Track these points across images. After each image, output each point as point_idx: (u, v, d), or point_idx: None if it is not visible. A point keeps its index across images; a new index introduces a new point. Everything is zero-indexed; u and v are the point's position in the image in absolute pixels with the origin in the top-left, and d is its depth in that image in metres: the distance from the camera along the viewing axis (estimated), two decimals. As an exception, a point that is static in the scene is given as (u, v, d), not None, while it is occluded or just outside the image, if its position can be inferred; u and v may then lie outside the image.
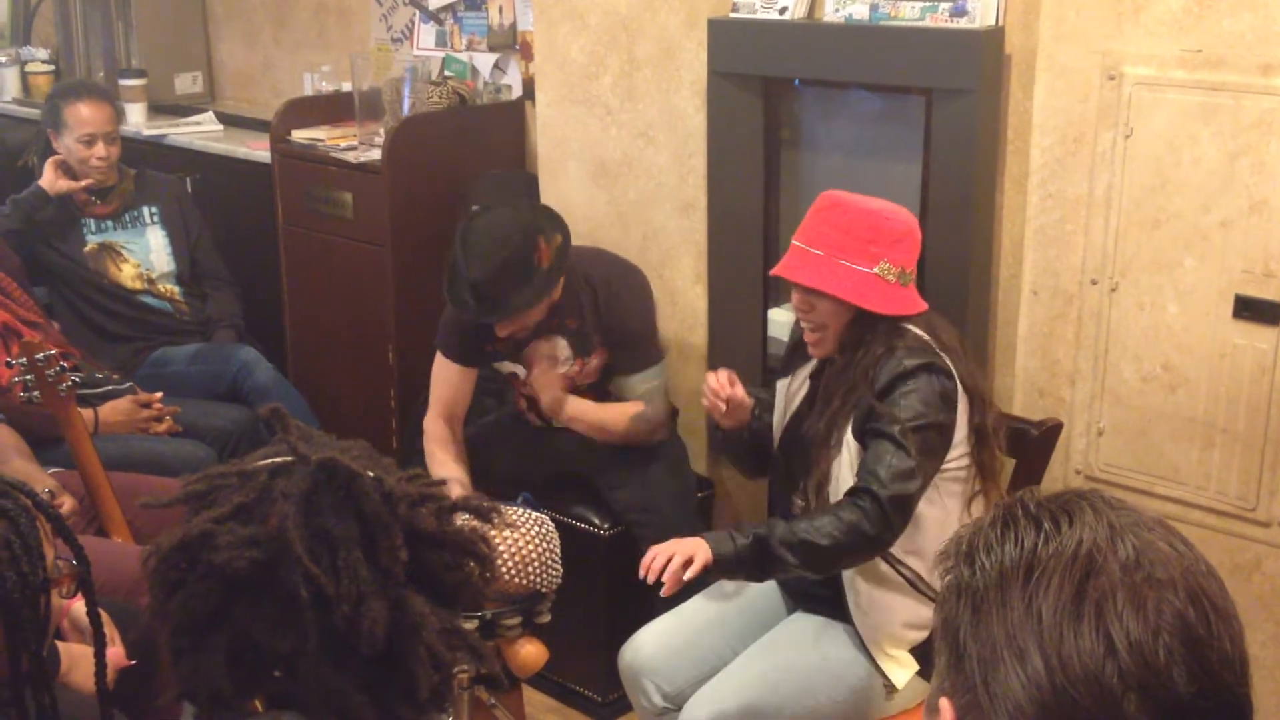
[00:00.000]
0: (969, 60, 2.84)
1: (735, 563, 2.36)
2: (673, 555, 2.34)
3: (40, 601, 1.71)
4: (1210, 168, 2.63)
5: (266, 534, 1.33)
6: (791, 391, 2.64)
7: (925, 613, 2.38)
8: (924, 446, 2.33)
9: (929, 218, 3.06)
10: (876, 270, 2.39)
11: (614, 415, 3.21)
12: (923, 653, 2.44)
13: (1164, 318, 2.76)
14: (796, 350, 2.63)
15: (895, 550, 2.40)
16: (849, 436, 2.41)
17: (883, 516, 2.30)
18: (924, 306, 2.47)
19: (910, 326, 2.43)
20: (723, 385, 2.65)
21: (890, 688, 2.47)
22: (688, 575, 2.34)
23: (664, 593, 2.35)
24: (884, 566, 2.43)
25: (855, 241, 2.39)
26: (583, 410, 3.19)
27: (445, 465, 3.18)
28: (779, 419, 2.66)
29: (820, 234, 2.42)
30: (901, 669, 2.46)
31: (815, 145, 3.45)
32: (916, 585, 2.43)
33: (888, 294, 2.40)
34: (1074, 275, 2.88)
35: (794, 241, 2.46)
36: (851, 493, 2.34)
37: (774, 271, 2.48)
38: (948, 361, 2.40)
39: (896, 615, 2.44)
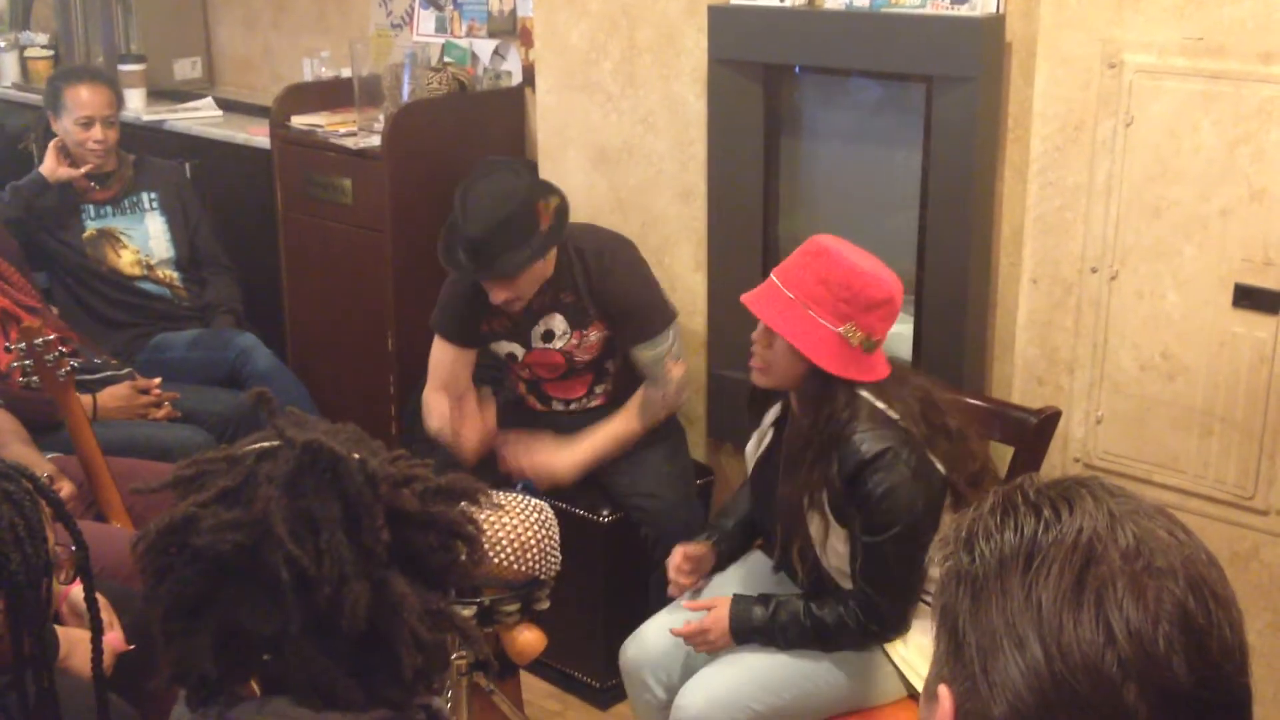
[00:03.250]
0: (970, 48, 2.84)
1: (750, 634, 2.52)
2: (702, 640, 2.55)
3: (43, 584, 1.72)
4: (1210, 156, 2.63)
5: (250, 517, 1.34)
6: (758, 446, 2.65)
7: None
8: (909, 550, 2.35)
9: (929, 206, 3.06)
10: (841, 330, 2.33)
11: (622, 427, 3.20)
12: None
13: (1163, 306, 2.76)
14: (753, 411, 2.66)
15: None
16: (829, 520, 2.40)
17: (888, 625, 2.44)
18: (884, 374, 2.40)
19: (864, 394, 2.38)
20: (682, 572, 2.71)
21: (912, 688, 2.48)
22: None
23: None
24: None
25: (829, 295, 2.34)
26: (591, 450, 3.18)
27: (438, 416, 3.19)
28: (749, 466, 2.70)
29: (798, 278, 2.38)
30: (916, 670, 2.47)
31: (815, 133, 3.45)
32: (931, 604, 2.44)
33: (845, 357, 2.34)
34: (1074, 263, 2.88)
35: (771, 276, 2.43)
36: (850, 597, 2.41)
37: (743, 299, 2.46)
38: (908, 431, 2.35)
39: (926, 632, 2.44)
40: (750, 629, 2.49)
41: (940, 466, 2.37)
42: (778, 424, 2.59)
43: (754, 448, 2.67)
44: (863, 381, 2.38)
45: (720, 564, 2.74)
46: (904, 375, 2.47)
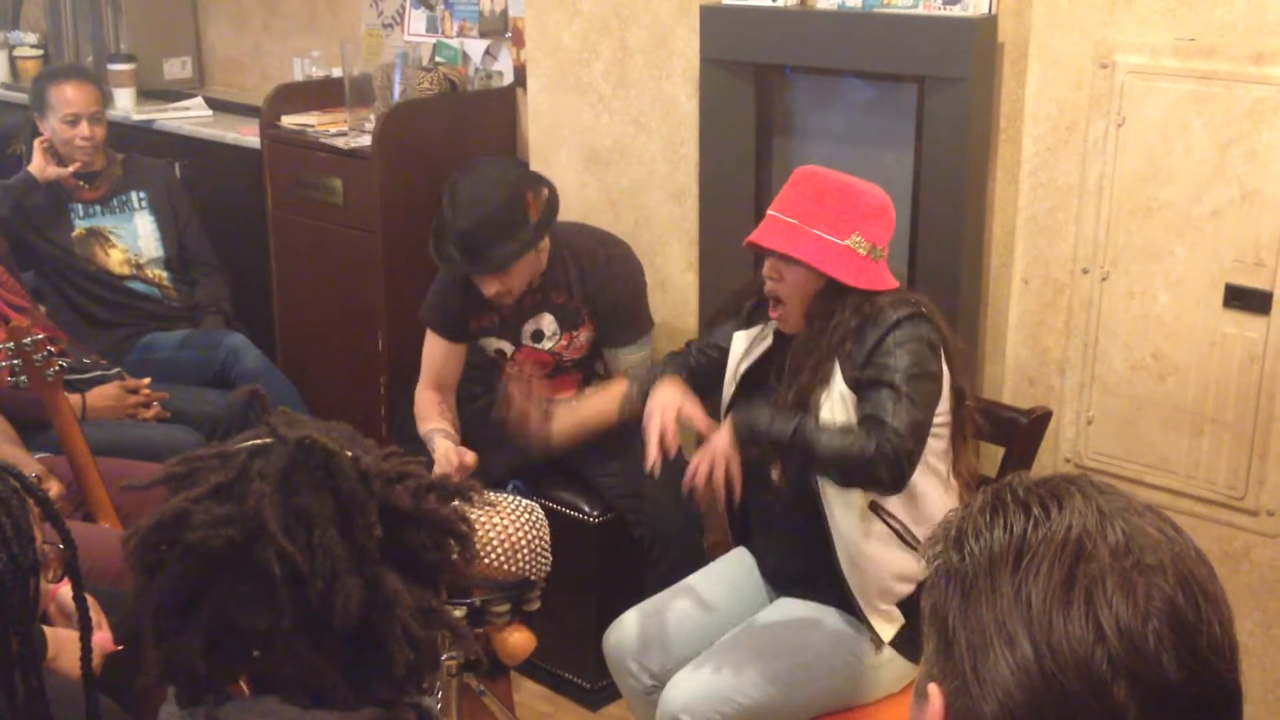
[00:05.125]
0: (962, 48, 2.84)
1: (749, 441, 2.40)
2: (702, 475, 2.40)
3: (30, 584, 1.71)
4: (1202, 157, 2.63)
5: (242, 513, 1.33)
6: (751, 347, 2.60)
7: (914, 565, 2.40)
8: (925, 396, 2.34)
9: (921, 206, 3.06)
10: (849, 242, 2.38)
11: (602, 408, 3.18)
12: (909, 606, 2.44)
13: (1154, 307, 2.76)
14: (762, 308, 2.58)
15: (882, 502, 2.41)
16: (840, 400, 2.38)
17: (896, 465, 2.29)
18: (894, 284, 2.46)
19: (884, 297, 2.42)
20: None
21: (878, 642, 2.46)
22: (717, 484, 2.40)
23: (720, 504, 2.45)
24: (872, 519, 2.43)
25: (829, 211, 2.39)
26: (573, 420, 3.14)
27: (432, 419, 3.17)
28: (730, 374, 2.61)
29: (795, 203, 2.43)
30: (889, 624, 2.45)
31: (807, 133, 3.45)
32: (904, 536, 2.43)
33: (858, 266, 2.40)
34: (1065, 264, 2.89)
35: (769, 211, 2.46)
36: (867, 429, 2.31)
37: (748, 240, 2.46)
38: (927, 312, 2.40)
39: (886, 567, 2.44)
40: (754, 427, 2.37)
41: (945, 362, 2.40)
42: (777, 334, 2.56)
43: (741, 352, 2.63)
44: (877, 291, 2.41)
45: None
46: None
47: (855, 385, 2.37)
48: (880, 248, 2.43)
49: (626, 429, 3.20)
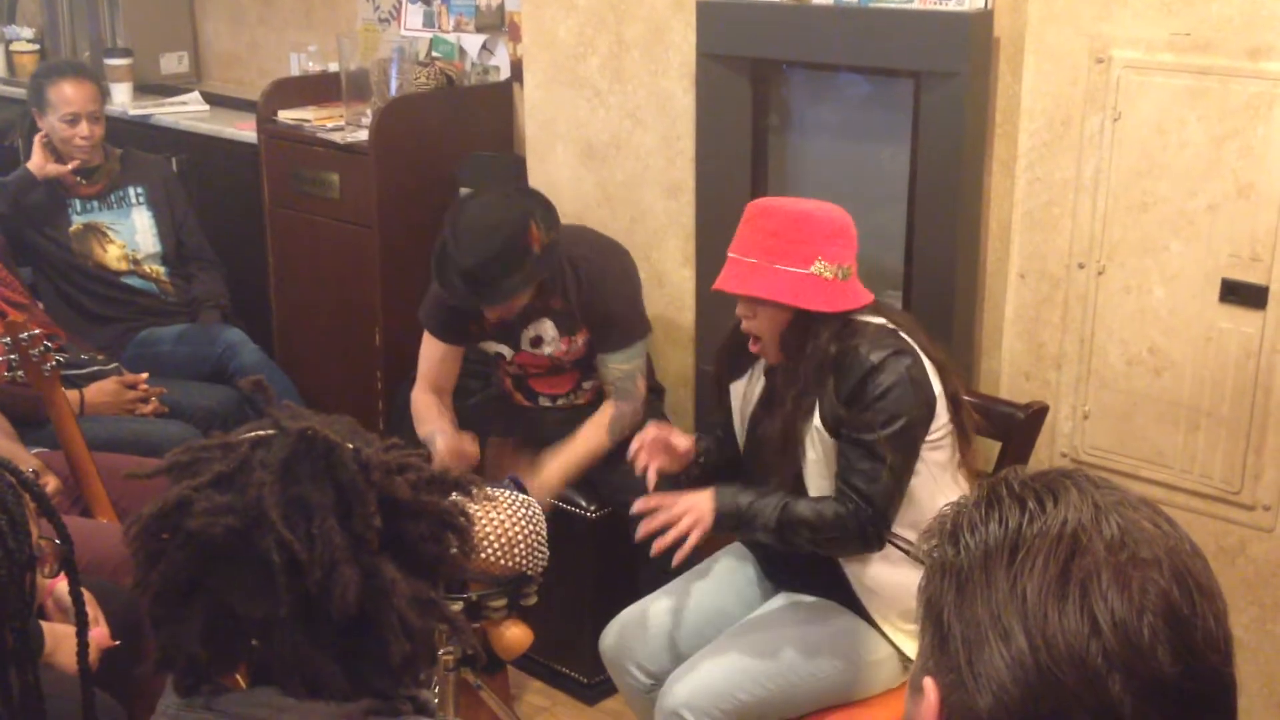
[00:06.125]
0: (957, 43, 2.84)
1: (732, 526, 2.44)
2: (675, 526, 2.42)
3: (26, 579, 1.71)
4: (1198, 151, 2.63)
5: (243, 502, 1.34)
6: (748, 392, 2.63)
7: None
8: (904, 449, 2.36)
9: (917, 201, 3.06)
10: (813, 269, 2.38)
11: (592, 441, 3.18)
12: None
13: (1150, 301, 2.77)
14: (745, 350, 2.61)
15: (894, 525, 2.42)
16: (817, 436, 2.41)
17: (871, 537, 2.39)
18: (869, 299, 2.46)
19: (861, 318, 2.43)
20: (646, 442, 2.60)
21: (906, 660, 2.47)
22: (687, 547, 2.43)
23: (675, 562, 2.46)
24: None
25: (787, 244, 2.39)
26: (565, 465, 3.16)
27: (429, 421, 3.17)
28: (739, 423, 2.65)
29: (753, 241, 2.42)
30: (915, 642, 2.46)
31: (803, 128, 3.45)
32: (919, 558, 2.43)
33: (827, 291, 2.39)
34: (1061, 259, 2.89)
35: (729, 253, 2.46)
36: (839, 499, 2.39)
37: (714, 286, 2.48)
38: (908, 341, 2.41)
39: (905, 589, 2.44)
40: (736, 512, 2.43)
41: (935, 378, 2.42)
42: (769, 372, 2.58)
43: (741, 399, 2.65)
44: (853, 310, 2.42)
45: (699, 474, 2.66)
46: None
47: (834, 425, 2.39)
48: (847, 265, 2.42)
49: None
